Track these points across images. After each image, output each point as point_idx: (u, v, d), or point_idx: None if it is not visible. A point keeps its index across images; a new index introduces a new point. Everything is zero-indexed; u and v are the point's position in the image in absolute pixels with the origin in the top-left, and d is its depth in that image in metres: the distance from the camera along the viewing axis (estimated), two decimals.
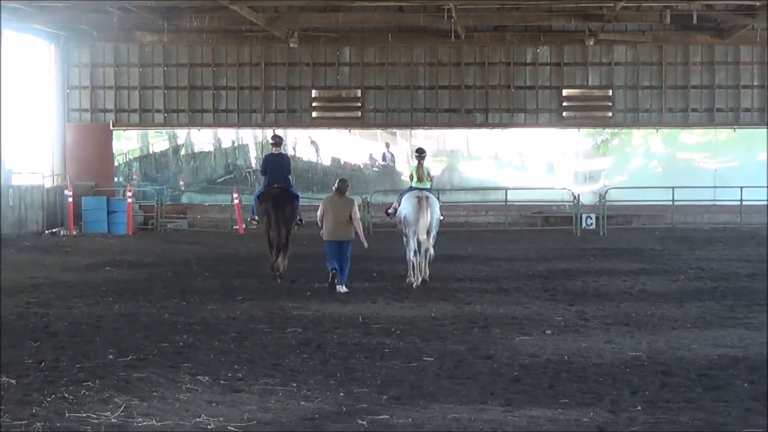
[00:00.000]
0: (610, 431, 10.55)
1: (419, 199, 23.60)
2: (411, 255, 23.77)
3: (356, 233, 22.96)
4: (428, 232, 23.51)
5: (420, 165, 24.72)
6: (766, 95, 42.82)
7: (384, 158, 44.08)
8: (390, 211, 25.01)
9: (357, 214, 22.98)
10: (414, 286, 23.19)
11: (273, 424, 10.83)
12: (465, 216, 41.99)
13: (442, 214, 24.80)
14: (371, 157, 44.15)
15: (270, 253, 25.01)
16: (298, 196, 25.33)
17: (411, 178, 24.98)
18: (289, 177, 25.44)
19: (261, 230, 26.24)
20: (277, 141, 26.13)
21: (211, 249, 33.18)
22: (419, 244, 23.43)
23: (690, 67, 43.05)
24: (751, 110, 42.93)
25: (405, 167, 43.75)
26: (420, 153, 25.09)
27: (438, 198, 25.30)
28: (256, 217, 25.64)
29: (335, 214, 22.75)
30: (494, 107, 43.41)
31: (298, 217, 25.22)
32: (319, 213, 23.10)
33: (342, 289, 22.42)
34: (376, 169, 44.10)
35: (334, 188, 23.40)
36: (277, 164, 25.27)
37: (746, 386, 12.64)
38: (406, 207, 23.95)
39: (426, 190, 24.28)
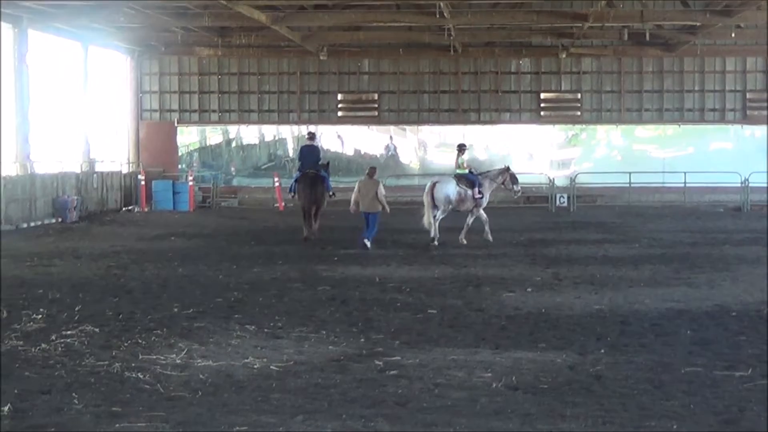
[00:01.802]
0: (579, 370, 10.53)
1: (432, 184, 25.32)
2: (429, 221, 24.99)
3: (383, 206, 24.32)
4: (436, 207, 24.94)
5: (458, 156, 26.14)
6: (704, 98, 42.70)
7: (387, 149, 44.12)
8: None
9: (382, 191, 24.18)
10: (434, 243, 24.52)
11: (306, 364, 10.82)
12: None
13: (480, 192, 25.65)
14: (386, 148, 44.21)
15: (304, 223, 26.16)
16: (325, 177, 26.40)
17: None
18: (319, 164, 26.53)
19: (298, 206, 27.25)
20: (311, 136, 27.59)
21: (256, 223, 33.15)
22: (440, 213, 25.10)
23: (643, 75, 42.87)
24: (693, 110, 42.75)
25: (412, 156, 43.81)
26: (460, 148, 26.50)
27: (473, 182, 25.77)
28: (293, 194, 26.94)
29: (366, 192, 24.07)
30: (485, 108, 43.29)
31: (330, 192, 26.59)
32: (354, 193, 24.47)
33: (367, 243, 23.80)
34: (388, 158, 44.07)
35: (365, 173, 24.88)
36: (310, 154, 26.57)
37: (689, 333, 12.62)
38: (425, 188, 25.53)
39: (465, 175, 25.64)
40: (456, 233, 25.23)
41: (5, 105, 31.25)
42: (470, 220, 25.64)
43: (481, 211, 25.73)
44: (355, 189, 24.41)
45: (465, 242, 24.92)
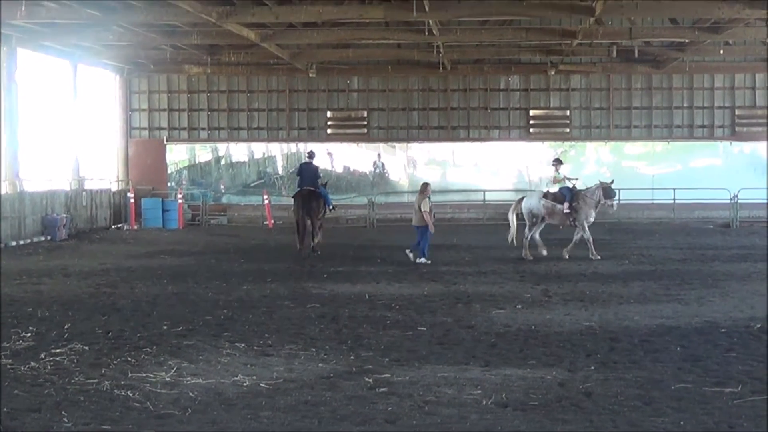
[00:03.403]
0: (569, 387, 10.54)
1: (519, 198, 26.64)
2: (512, 237, 26.01)
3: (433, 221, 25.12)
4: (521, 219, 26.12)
5: (555, 170, 26.41)
6: (693, 114, 42.83)
7: (375, 166, 44.11)
8: None
9: (424, 207, 24.75)
10: (527, 257, 25.39)
11: (296, 382, 10.82)
12: (451, 213, 41.93)
13: (570, 207, 25.63)
14: (374, 165, 44.19)
15: (297, 237, 26.78)
16: (321, 194, 27.19)
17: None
18: (318, 181, 27.38)
19: (290, 221, 27.78)
20: (310, 154, 28.23)
21: (245, 240, 33.14)
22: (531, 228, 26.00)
23: (632, 92, 43.01)
24: (681, 126, 42.87)
25: (402, 174, 43.79)
26: (556, 162, 26.85)
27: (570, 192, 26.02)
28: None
29: (415, 208, 25.00)
30: (474, 125, 43.36)
31: (329, 207, 27.55)
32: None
33: (421, 260, 24.39)
34: (376, 176, 44.04)
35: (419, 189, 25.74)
36: (308, 171, 27.38)
37: (679, 350, 12.64)
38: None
39: (564, 189, 25.89)
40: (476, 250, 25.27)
41: None
42: (576, 236, 25.82)
43: (584, 228, 25.66)
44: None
45: (567, 257, 25.32)
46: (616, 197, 26.54)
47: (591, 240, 25.68)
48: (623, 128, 43.15)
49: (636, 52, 37.53)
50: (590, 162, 43.79)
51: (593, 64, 42.44)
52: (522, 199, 26.50)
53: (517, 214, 26.08)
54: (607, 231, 35.87)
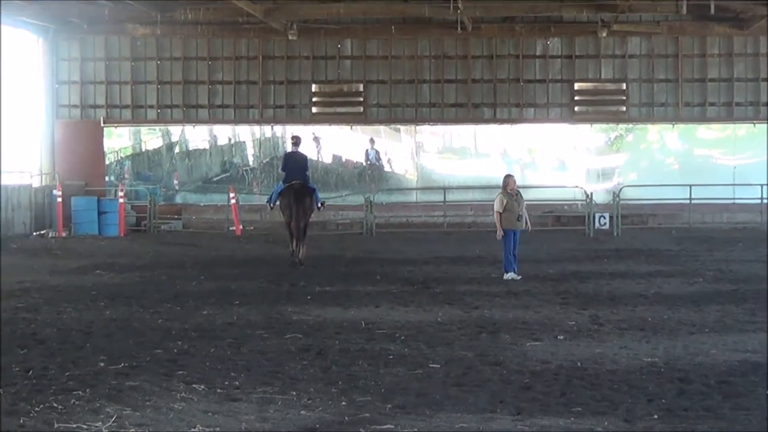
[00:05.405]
0: None
1: None
2: None
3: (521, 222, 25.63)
4: None
5: None
6: None
7: (367, 157, 43.96)
8: None
9: (496, 206, 25.32)
10: None
11: None
12: (473, 216, 42.01)
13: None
14: (366, 155, 44.04)
15: (290, 242, 27.86)
16: (314, 189, 28.15)
17: None
18: (307, 173, 28.26)
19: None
20: (296, 141, 29.16)
21: (206, 251, 33.17)
22: None
23: (707, 60, 43.04)
24: None
25: (408, 165, 43.78)
26: None
27: None
28: (271, 204, 28.69)
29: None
30: (503, 102, 43.43)
31: (318, 205, 28.27)
32: None
33: (509, 276, 24.67)
34: (368, 168, 43.98)
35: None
36: (296, 161, 28.22)
37: (767, 393, 12.62)
38: None
39: None
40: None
41: None
42: None
43: None
44: None
45: None
46: None
47: None
48: (695, 106, 43.19)
49: (712, 7, 37.52)
50: (653, 150, 43.83)
51: (657, 24, 42.51)
52: None
53: None
54: (674, 240, 35.87)
